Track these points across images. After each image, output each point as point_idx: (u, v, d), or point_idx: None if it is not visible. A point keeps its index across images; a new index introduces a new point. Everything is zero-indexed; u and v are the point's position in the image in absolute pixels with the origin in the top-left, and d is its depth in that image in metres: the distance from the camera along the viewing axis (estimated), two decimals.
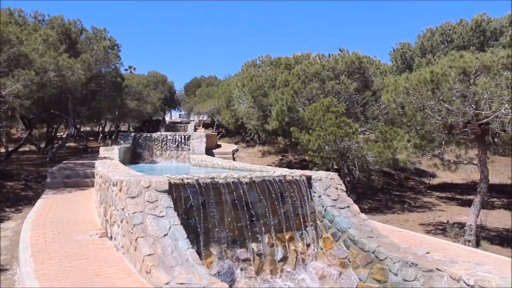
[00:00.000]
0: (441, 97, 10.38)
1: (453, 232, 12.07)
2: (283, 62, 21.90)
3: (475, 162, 11.79)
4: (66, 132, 26.47)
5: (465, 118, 10.46)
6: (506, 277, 5.83)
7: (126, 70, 55.09)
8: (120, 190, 7.70)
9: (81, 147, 28.81)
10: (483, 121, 10.25)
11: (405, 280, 6.81)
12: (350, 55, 18.47)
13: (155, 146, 24.73)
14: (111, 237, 8.45)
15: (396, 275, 7.00)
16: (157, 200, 7.35)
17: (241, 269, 7.85)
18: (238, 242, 8.08)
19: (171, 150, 24.82)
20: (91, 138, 36.44)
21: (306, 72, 17.82)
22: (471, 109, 10.09)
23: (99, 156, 18.71)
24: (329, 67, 17.70)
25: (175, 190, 7.78)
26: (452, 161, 12.89)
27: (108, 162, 14.46)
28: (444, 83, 10.22)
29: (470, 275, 6.00)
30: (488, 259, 8.04)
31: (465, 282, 5.97)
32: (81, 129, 34.74)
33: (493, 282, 5.71)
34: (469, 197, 19.27)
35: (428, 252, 7.35)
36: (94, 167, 14.12)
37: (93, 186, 14.12)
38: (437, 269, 6.43)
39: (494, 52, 10.30)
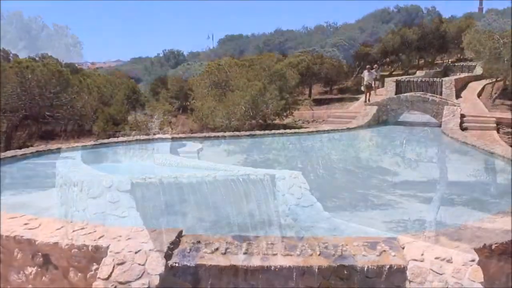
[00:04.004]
0: None
1: (414, 229, 12.33)
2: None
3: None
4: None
5: None
6: None
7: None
8: (80, 191, 7.53)
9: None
10: None
11: (368, 278, 6.91)
12: None
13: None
14: None
15: None
16: (119, 201, 7.23)
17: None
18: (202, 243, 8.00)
19: (135, 149, 24.32)
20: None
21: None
22: None
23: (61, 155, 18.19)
24: None
25: (138, 190, 7.67)
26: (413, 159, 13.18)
27: (70, 161, 14.08)
28: None
29: None
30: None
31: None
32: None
33: None
34: (429, 194, 19.71)
35: None
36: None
37: None
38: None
39: None
